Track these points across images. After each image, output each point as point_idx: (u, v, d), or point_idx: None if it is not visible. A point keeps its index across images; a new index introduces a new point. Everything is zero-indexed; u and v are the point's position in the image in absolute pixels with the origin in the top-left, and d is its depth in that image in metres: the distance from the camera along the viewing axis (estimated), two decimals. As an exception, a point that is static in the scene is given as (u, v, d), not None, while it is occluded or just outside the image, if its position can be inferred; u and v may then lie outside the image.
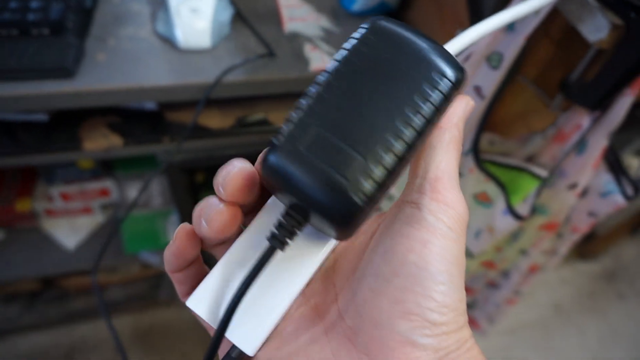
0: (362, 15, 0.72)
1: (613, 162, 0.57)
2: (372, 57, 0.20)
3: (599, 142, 0.52)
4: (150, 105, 0.66)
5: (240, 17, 0.68)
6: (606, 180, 0.58)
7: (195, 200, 0.94)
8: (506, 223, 0.59)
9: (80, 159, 0.88)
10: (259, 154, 0.22)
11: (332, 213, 0.19)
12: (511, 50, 0.47)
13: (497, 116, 0.57)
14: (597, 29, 0.41)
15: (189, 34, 0.62)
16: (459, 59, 0.50)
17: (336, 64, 0.20)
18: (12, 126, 0.63)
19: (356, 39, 0.20)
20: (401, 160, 0.19)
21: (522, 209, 0.59)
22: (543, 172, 0.59)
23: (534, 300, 1.36)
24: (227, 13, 0.66)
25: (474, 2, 0.51)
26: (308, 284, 0.24)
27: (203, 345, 1.12)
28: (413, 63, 0.20)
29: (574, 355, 1.29)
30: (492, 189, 0.59)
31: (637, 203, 1.22)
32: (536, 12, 0.44)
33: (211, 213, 0.21)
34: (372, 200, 0.19)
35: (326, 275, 0.25)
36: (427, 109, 0.19)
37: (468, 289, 0.82)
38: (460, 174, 0.58)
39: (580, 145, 0.55)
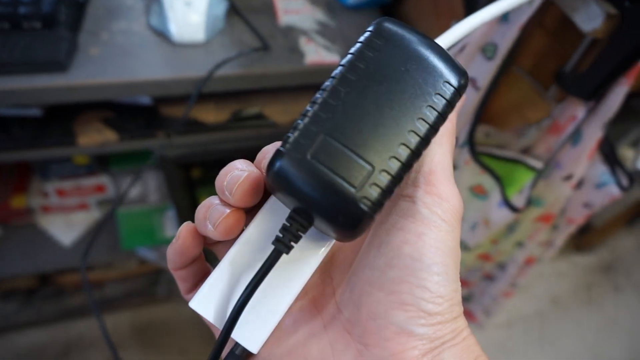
0: (357, 8, 0.72)
1: (608, 153, 0.57)
2: (378, 62, 0.20)
3: (594, 133, 0.52)
4: (145, 100, 0.66)
5: (234, 11, 0.68)
6: (601, 171, 0.58)
7: (192, 195, 0.94)
8: (502, 215, 0.60)
9: (75, 155, 0.88)
10: (255, 148, 0.22)
11: (339, 219, 0.19)
12: (506, 41, 0.47)
13: (492, 108, 0.57)
14: (591, 18, 0.41)
15: (183, 28, 0.61)
16: (454, 51, 0.50)
17: (342, 69, 0.20)
18: (6, 121, 0.63)
19: (361, 42, 0.21)
20: (406, 167, 0.20)
21: (518, 201, 0.59)
22: (538, 164, 0.59)
23: (531, 293, 1.36)
24: (221, 6, 0.65)
25: (468, -7, 0.51)
26: None
27: (201, 341, 1.13)
28: (419, 70, 0.20)
29: (571, 347, 1.29)
30: (487, 181, 0.59)
31: (633, 194, 1.23)
32: (530, 2, 0.44)
33: (218, 216, 0.22)
34: (378, 205, 0.19)
35: (324, 268, 0.25)
36: (432, 116, 0.20)
37: (464, 282, 0.82)
38: (456, 167, 0.58)
39: (575, 136, 0.55)
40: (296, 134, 0.19)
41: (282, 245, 0.21)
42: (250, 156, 0.24)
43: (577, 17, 0.43)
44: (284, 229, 0.21)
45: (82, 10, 0.63)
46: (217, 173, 0.23)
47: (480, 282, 0.82)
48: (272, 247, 0.21)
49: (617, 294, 1.41)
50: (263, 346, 0.23)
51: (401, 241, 0.20)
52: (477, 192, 0.61)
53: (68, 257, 0.95)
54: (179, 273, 0.24)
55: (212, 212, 0.22)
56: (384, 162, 0.19)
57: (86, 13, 0.63)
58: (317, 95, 0.20)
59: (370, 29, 0.21)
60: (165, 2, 0.61)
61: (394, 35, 0.20)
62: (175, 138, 0.66)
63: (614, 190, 0.57)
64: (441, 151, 0.22)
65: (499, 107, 0.57)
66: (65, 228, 0.97)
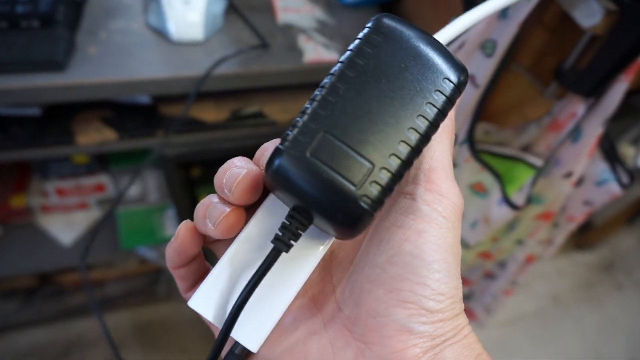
0: (356, 6, 0.72)
1: (608, 150, 0.57)
2: (377, 59, 0.20)
3: (594, 130, 0.52)
4: (144, 98, 0.66)
5: (233, 9, 0.68)
6: (602, 168, 0.58)
7: (192, 194, 0.94)
8: (502, 213, 0.59)
9: (74, 154, 0.88)
10: (254, 146, 0.22)
11: (338, 217, 0.19)
12: (505, 38, 0.47)
13: (492, 106, 0.57)
14: (590, 14, 0.41)
15: (181, 27, 0.61)
16: (452, 48, 0.49)
17: (341, 65, 0.20)
18: (5, 121, 0.63)
19: (360, 39, 0.20)
20: (407, 164, 0.19)
21: (518, 198, 0.59)
22: (538, 162, 0.59)
23: (532, 291, 1.36)
24: (220, 5, 0.65)
25: (467, -10, 0.51)
26: None
27: (202, 339, 1.13)
28: (418, 66, 0.20)
29: (572, 345, 1.29)
30: (487, 179, 0.59)
31: (634, 193, 1.23)
32: (529, -1, 0.43)
33: (218, 215, 0.21)
34: (378, 203, 0.19)
35: (323, 266, 0.25)
36: (432, 113, 0.20)
37: (465, 280, 0.82)
38: (456, 164, 0.58)
39: (575, 133, 0.55)
40: (295, 131, 0.19)
41: (282, 243, 0.21)
42: (250, 155, 0.24)
43: (576, 14, 0.43)
44: (283, 227, 0.21)
45: (80, 9, 0.63)
46: (216, 172, 0.22)
47: (481, 280, 0.82)
48: (272, 245, 0.21)
49: (618, 292, 1.41)
50: (263, 345, 0.23)
51: (401, 239, 0.20)
52: (477, 189, 0.61)
53: (68, 257, 0.95)
54: (178, 272, 0.24)
55: (212, 211, 0.22)
56: (384, 159, 0.19)
57: (84, 12, 0.63)
58: (316, 92, 0.20)
59: (369, 25, 0.21)
60: (164, 1, 0.61)
61: (393, 31, 0.20)
62: (174, 137, 0.66)
63: (614, 188, 0.57)
64: (441, 148, 0.22)
65: (498, 104, 0.57)
66: (65, 227, 0.97)
